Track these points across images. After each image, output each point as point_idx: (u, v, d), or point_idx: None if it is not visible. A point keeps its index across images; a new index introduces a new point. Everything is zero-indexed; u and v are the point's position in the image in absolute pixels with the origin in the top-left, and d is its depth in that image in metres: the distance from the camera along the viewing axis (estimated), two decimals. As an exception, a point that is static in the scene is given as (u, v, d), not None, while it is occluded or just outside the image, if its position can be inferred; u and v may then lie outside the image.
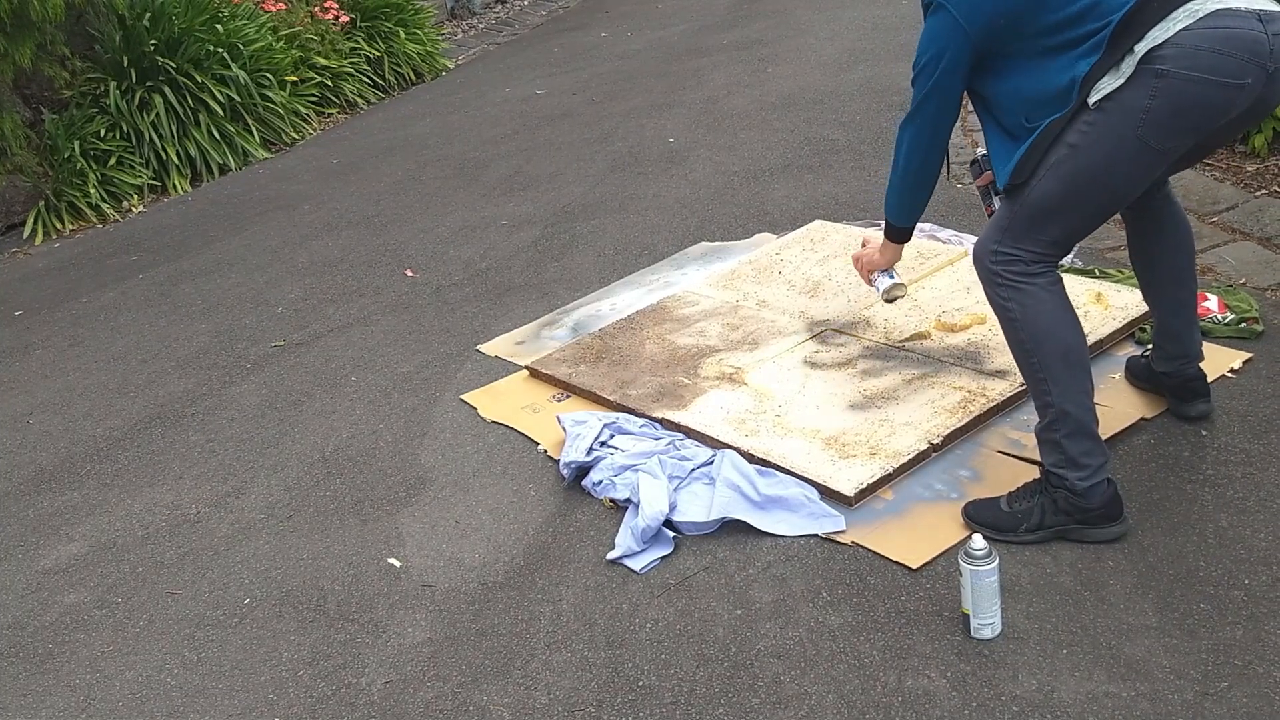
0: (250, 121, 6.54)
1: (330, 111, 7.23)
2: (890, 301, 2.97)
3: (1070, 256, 3.48)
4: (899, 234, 2.71)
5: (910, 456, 2.66)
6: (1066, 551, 2.33)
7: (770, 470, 2.68)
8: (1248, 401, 2.72)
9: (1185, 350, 2.62)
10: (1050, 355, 2.27)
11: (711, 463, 2.73)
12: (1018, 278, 2.26)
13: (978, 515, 2.44)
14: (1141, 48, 2.06)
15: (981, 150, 2.73)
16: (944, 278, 3.47)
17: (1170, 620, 2.13)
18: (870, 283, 2.97)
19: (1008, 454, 2.66)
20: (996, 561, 2.11)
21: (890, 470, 2.63)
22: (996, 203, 2.49)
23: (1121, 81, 2.08)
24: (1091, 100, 2.12)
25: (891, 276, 2.91)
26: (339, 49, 7.32)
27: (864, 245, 2.94)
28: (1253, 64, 2.04)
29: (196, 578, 2.78)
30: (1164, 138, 2.11)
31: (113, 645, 2.59)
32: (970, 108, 2.76)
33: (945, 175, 2.59)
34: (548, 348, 3.58)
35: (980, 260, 2.32)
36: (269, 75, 6.58)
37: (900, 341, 3.17)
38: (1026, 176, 2.22)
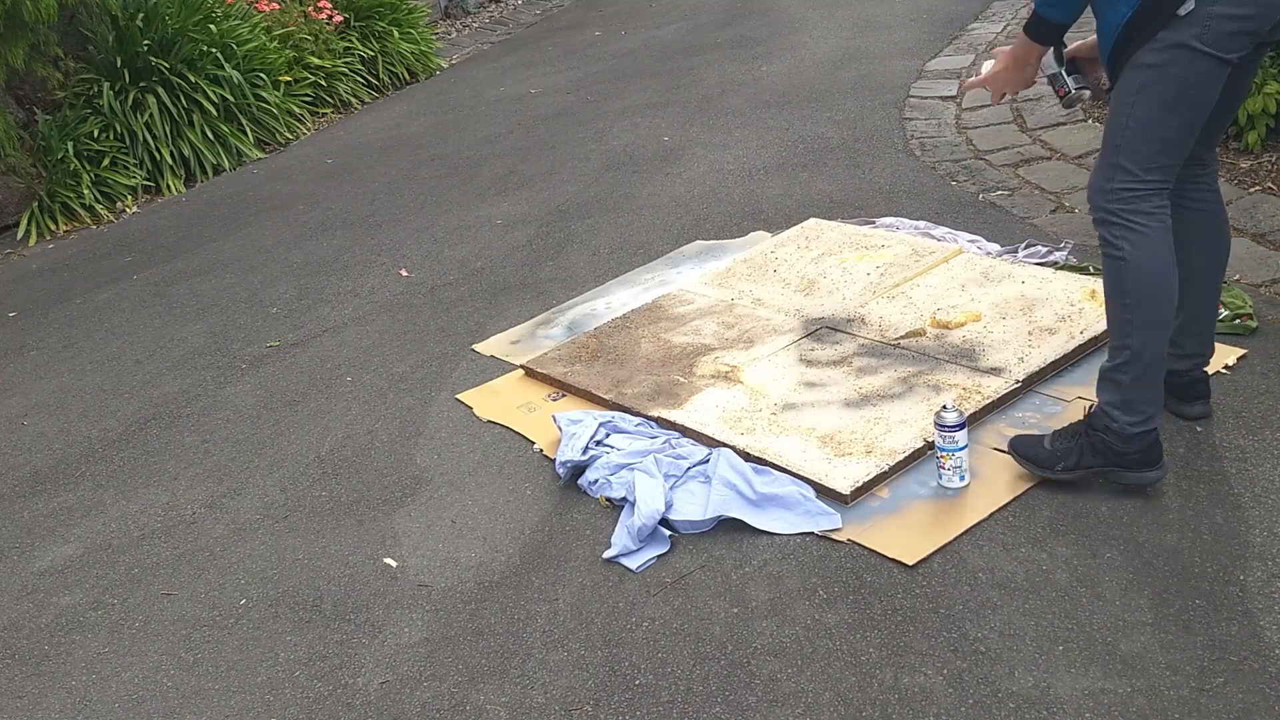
0: (244, 122, 6.52)
1: (324, 111, 7.22)
2: (1070, 107, 2.57)
3: (1064, 253, 3.49)
4: (1055, 31, 2.42)
5: (906, 454, 2.66)
6: (1063, 548, 2.33)
7: (766, 468, 2.68)
8: (1242, 398, 2.73)
9: (1201, 349, 2.62)
10: (1145, 299, 2.29)
11: (707, 461, 2.73)
12: (1134, 216, 2.27)
13: (1020, 448, 2.54)
14: None
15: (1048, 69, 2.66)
16: (939, 275, 3.48)
17: (1166, 616, 2.13)
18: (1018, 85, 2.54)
19: (1003, 451, 2.66)
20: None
21: (886, 468, 2.63)
22: (1071, 83, 2.48)
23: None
24: (1182, 11, 2.12)
25: (1068, 71, 2.50)
26: (333, 49, 7.30)
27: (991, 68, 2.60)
28: None
29: (192, 579, 2.78)
30: (1226, 46, 2.13)
31: (109, 647, 2.58)
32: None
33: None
34: (543, 347, 3.58)
35: (1094, 202, 2.32)
36: (263, 75, 6.56)
37: (895, 339, 3.17)
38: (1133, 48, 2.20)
